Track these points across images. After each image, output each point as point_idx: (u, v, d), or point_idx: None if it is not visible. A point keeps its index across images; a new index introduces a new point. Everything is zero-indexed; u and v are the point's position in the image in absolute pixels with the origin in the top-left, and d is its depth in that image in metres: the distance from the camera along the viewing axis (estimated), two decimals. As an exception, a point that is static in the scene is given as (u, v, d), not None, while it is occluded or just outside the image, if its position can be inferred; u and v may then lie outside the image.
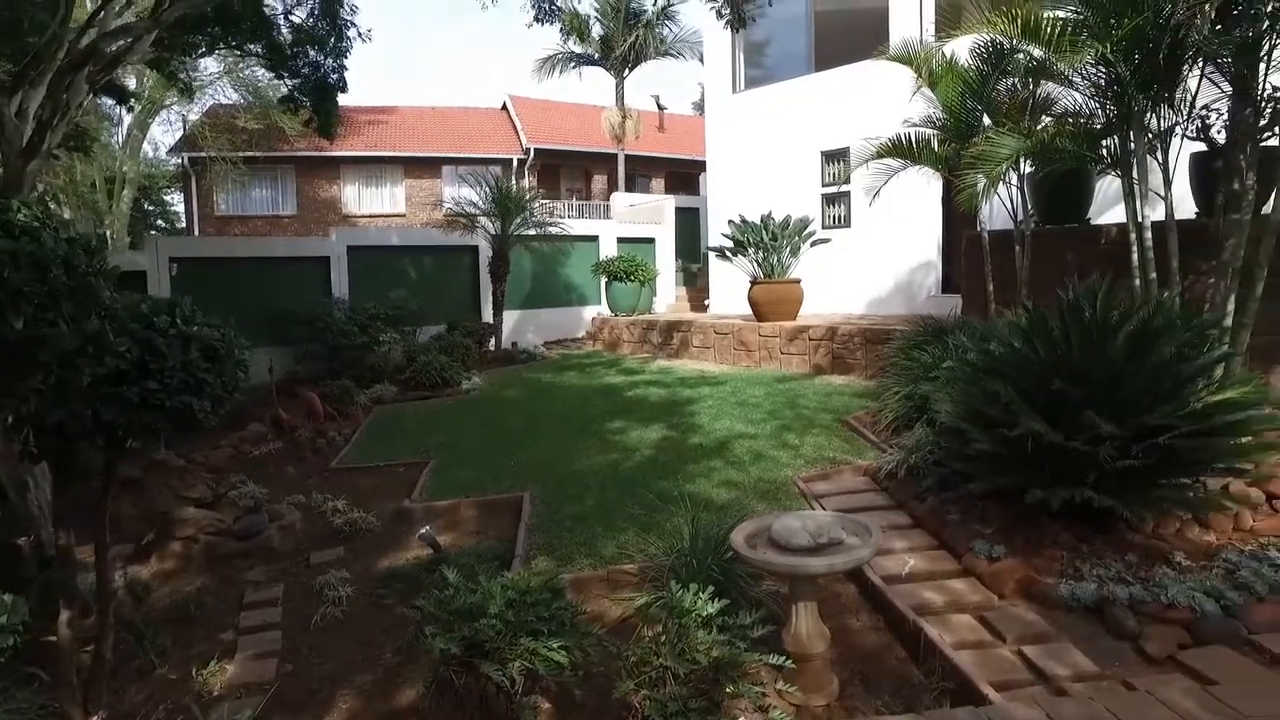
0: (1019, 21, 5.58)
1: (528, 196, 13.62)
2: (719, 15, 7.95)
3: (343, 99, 9.45)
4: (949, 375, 5.16)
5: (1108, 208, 8.19)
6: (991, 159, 5.74)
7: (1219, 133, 6.00)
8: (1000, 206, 7.49)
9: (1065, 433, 3.88)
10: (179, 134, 23.03)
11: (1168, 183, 5.72)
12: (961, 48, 7.22)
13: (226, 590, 4.88)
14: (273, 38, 8.22)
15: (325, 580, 4.68)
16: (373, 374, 10.68)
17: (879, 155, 8.11)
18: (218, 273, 11.29)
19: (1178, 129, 5.94)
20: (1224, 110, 5.77)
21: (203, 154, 21.43)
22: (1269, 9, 5.02)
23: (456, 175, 23.35)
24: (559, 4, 8.40)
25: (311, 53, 8.39)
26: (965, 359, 4.94)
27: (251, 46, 8.49)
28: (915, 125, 7.98)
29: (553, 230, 13.34)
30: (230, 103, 22.54)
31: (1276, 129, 5.58)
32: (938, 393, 4.92)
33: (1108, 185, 7.58)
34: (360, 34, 9.60)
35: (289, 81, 8.97)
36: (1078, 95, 6.16)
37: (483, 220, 12.79)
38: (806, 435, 6.79)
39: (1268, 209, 5.41)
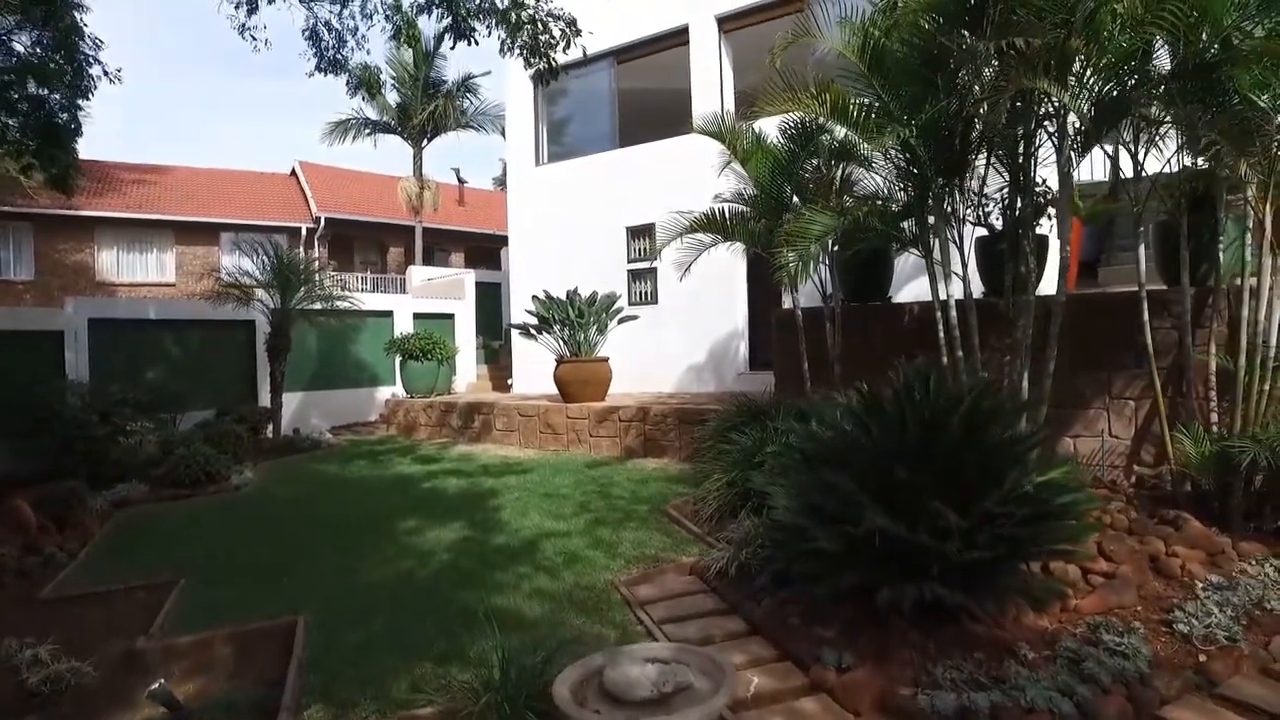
0: (828, 103, 5.64)
1: (314, 267, 12.42)
2: (528, 64, 7.53)
3: (106, 154, 8.20)
4: (778, 463, 4.84)
5: (903, 284, 8.56)
6: (805, 235, 5.68)
7: (996, 219, 6.40)
8: (808, 284, 7.56)
9: (908, 523, 3.62)
10: None
11: (964, 263, 5.93)
12: (770, 126, 7.31)
13: None
14: (-23, 64, 6.80)
15: (-2, 773, 3.41)
16: (117, 470, 8.96)
17: (691, 230, 8.00)
18: (-99, 350, 9.10)
19: (966, 213, 6.26)
20: (1000, 198, 6.15)
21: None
22: (1041, 112, 5.41)
23: (237, 243, 21.30)
24: (344, 55, 7.65)
25: (32, 86, 7.00)
26: (792, 444, 4.65)
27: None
28: (726, 201, 7.96)
29: (342, 304, 12.20)
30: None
31: (1044, 217, 6.05)
32: (771, 485, 4.55)
33: (904, 264, 7.91)
34: (108, 73, 8.34)
35: (5, 119, 7.46)
36: (878, 178, 6.33)
37: (260, 292, 11.42)
38: (623, 529, 6.23)
39: (1043, 289, 5.75)
